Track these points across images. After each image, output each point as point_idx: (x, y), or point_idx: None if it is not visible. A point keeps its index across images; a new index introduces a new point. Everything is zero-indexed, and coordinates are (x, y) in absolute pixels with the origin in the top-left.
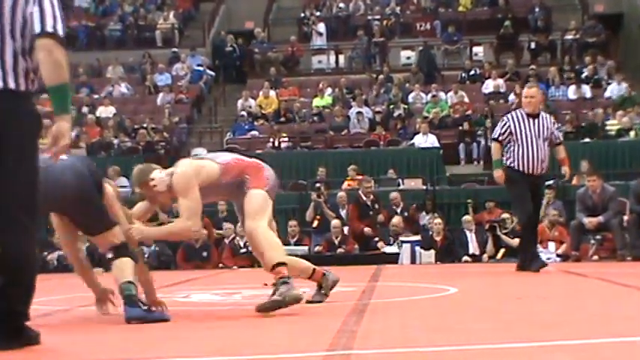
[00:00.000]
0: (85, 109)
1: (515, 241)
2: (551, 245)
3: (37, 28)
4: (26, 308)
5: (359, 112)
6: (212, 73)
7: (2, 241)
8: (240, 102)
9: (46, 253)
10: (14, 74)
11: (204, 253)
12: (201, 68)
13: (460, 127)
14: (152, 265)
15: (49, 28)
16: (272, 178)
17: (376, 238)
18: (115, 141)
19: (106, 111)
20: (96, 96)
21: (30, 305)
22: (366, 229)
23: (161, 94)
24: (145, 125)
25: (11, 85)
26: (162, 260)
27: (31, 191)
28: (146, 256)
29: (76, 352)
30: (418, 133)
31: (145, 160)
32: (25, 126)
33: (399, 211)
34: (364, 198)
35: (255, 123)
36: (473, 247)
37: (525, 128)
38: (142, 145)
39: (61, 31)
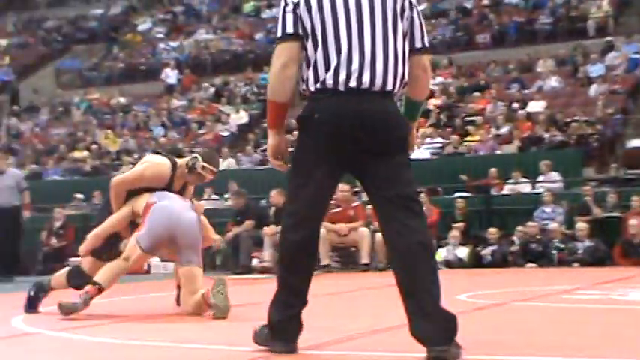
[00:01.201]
0: (515, 105)
1: None
2: None
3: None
4: None
5: None
6: None
7: None
8: None
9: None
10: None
11: None
12: (637, 56)
13: None
14: (586, 261)
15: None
16: None
17: None
18: (546, 135)
19: (536, 105)
20: (526, 91)
21: None
22: None
23: (594, 86)
24: (576, 118)
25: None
26: (598, 256)
27: None
28: (579, 251)
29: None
30: None
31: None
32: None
33: None
34: None
35: None
36: None
37: None
38: (573, 138)
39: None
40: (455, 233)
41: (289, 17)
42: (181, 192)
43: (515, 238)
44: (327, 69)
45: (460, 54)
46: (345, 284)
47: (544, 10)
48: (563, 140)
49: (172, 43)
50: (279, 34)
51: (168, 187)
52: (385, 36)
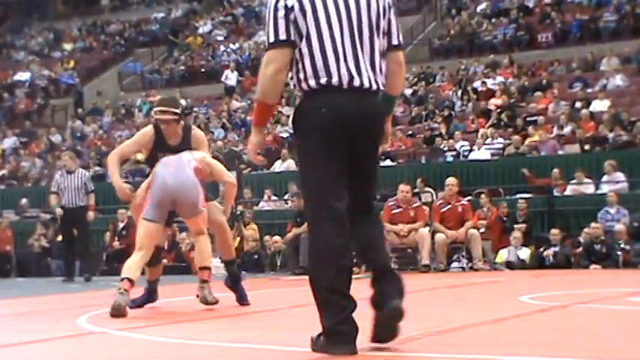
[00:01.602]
0: (578, 104)
1: None
2: None
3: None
4: None
5: None
6: None
7: None
8: None
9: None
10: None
11: None
12: None
13: None
14: None
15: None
16: None
17: None
18: (610, 135)
19: (600, 105)
20: (589, 90)
21: None
22: None
23: None
24: None
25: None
26: None
27: None
28: None
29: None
30: None
31: None
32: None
33: None
34: None
35: None
36: None
37: None
38: (638, 138)
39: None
40: (517, 234)
41: (281, 23)
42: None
43: (581, 239)
44: (327, 68)
45: (521, 53)
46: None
47: (608, 7)
48: (628, 140)
49: (232, 45)
50: (271, 39)
51: (162, 147)
52: (372, 37)
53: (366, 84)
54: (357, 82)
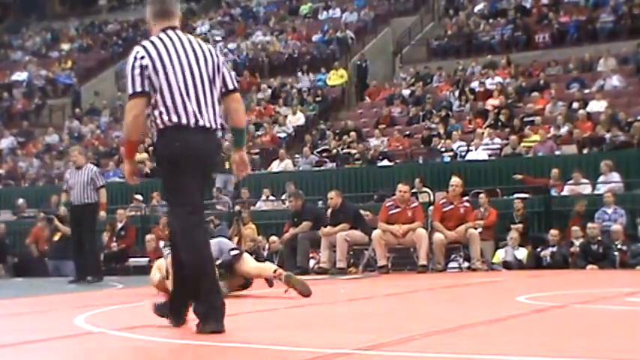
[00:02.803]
0: (575, 105)
1: None
2: None
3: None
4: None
5: None
6: None
7: None
8: None
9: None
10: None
11: None
12: None
13: None
14: None
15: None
16: None
17: None
18: (607, 135)
19: (597, 105)
20: (587, 90)
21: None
22: None
23: None
24: (639, 118)
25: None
26: None
27: None
28: None
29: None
30: None
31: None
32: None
33: None
34: None
35: None
36: None
37: None
38: (636, 138)
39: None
40: (514, 234)
41: (138, 78)
42: None
43: (574, 240)
44: (177, 112)
45: (519, 54)
46: (403, 285)
47: (605, 8)
48: (625, 140)
49: (230, 45)
50: (130, 90)
51: None
52: (210, 88)
53: (207, 124)
54: (201, 123)
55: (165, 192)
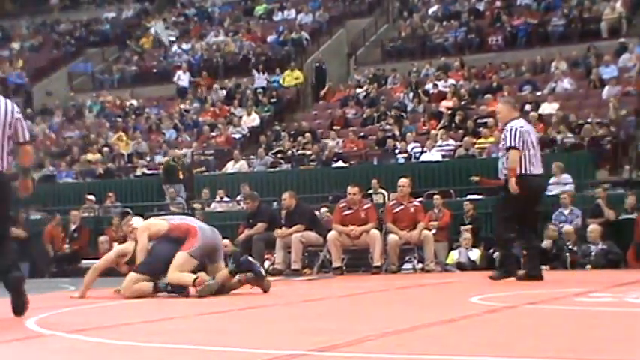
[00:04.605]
0: (527, 107)
1: None
2: None
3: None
4: None
5: None
6: None
7: None
8: None
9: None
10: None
11: None
12: None
13: None
14: (599, 263)
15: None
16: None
17: None
18: (559, 137)
19: (549, 107)
20: (538, 93)
21: None
22: None
23: (607, 87)
24: (589, 120)
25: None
26: (611, 259)
27: None
28: (592, 254)
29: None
30: None
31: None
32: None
33: None
34: None
35: None
36: None
37: None
38: (586, 140)
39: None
40: (466, 235)
41: None
42: None
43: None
44: None
45: (472, 56)
46: (357, 286)
47: (557, 12)
48: (576, 142)
49: (184, 46)
50: None
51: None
52: (2, 140)
53: (1, 168)
54: None
55: None
